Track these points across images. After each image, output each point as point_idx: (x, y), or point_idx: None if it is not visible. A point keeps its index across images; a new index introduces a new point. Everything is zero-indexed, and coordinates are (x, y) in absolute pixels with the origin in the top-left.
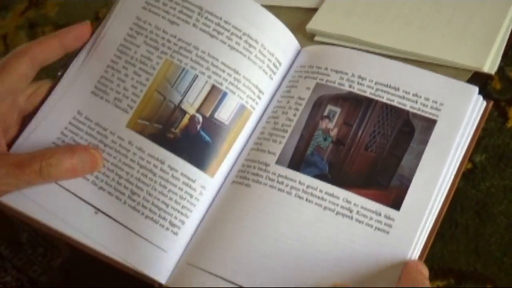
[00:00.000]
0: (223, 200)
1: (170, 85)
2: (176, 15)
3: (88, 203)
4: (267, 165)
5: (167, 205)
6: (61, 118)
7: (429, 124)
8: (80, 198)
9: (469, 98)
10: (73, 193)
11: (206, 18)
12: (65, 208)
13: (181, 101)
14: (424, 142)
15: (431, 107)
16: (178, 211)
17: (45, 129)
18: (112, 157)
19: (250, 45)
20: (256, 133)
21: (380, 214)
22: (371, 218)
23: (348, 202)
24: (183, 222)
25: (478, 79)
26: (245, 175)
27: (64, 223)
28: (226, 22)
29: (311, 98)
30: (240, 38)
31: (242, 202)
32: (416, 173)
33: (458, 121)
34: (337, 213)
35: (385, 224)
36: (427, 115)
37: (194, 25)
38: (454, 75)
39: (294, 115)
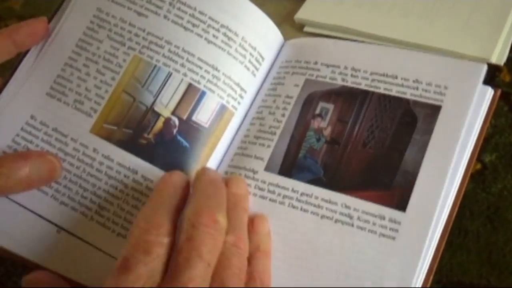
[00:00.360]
0: None
1: (140, 84)
2: (144, 6)
3: (49, 221)
4: (255, 172)
5: None
6: (12, 124)
7: (433, 111)
8: (39, 215)
9: (477, 78)
10: (29, 210)
11: (178, 9)
12: (21, 228)
13: (153, 103)
14: (429, 132)
15: (434, 92)
16: None
17: None
18: (74, 167)
19: (229, 38)
20: (239, 136)
21: (384, 218)
22: (374, 223)
23: (347, 207)
24: None
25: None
26: None
27: (21, 246)
28: (201, 13)
29: (300, 96)
30: (218, 30)
31: None
32: (422, 167)
33: (465, 105)
34: (336, 220)
35: (391, 228)
36: (430, 101)
37: (165, 16)
38: None
39: (283, 115)
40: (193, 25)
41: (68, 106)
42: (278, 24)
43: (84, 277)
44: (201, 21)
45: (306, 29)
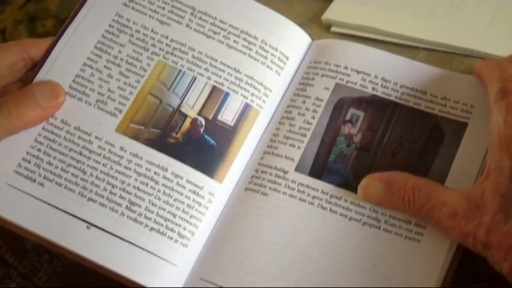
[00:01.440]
0: (237, 209)
1: (166, 87)
2: (166, 15)
3: (77, 217)
4: (285, 172)
5: (174, 215)
6: None
7: (460, 127)
8: (67, 212)
9: None
10: (57, 208)
11: (200, 18)
12: (53, 226)
13: (180, 104)
14: (456, 146)
15: (461, 110)
16: (187, 221)
17: (15, 138)
18: (100, 164)
19: (249, 42)
20: (268, 134)
21: (410, 223)
22: (400, 227)
23: (375, 211)
24: (192, 233)
25: None
26: (260, 181)
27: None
28: (221, 21)
29: (330, 100)
30: (238, 36)
31: (260, 212)
32: (448, 178)
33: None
34: (364, 223)
35: (416, 232)
36: (457, 118)
37: (187, 25)
38: None
39: (313, 117)
40: (214, 32)
41: (90, 106)
42: (306, 24)
43: (114, 268)
44: (221, 28)
45: (333, 29)
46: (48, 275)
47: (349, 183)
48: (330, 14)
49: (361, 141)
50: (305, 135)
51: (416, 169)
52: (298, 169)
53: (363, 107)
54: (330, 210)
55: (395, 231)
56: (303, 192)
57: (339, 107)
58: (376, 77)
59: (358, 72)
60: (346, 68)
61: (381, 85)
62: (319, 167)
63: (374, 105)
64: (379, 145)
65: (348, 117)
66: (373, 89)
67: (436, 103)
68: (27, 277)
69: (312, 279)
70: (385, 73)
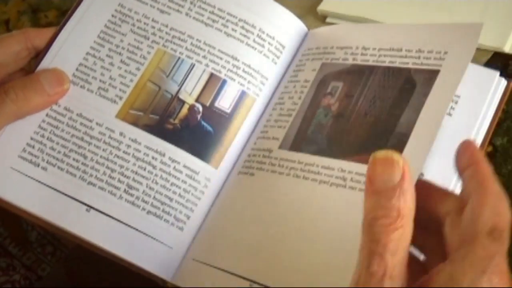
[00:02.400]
0: (228, 192)
1: (165, 74)
2: (167, 4)
3: (78, 200)
4: (270, 151)
5: (170, 199)
6: None
7: (432, 75)
8: (68, 196)
9: (473, 38)
10: (58, 191)
11: (199, 7)
12: (55, 209)
13: (178, 91)
14: (426, 94)
15: (435, 58)
16: (183, 205)
17: (20, 124)
18: (101, 149)
19: (247, 31)
20: (262, 121)
21: None
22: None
23: (343, 171)
24: (188, 217)
25: (498, 59)
26: (250, 164)
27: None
28: (220, 10)
29: (316, 79)
30: (236, 24)
31: (246, 192)
32: (415, 127)
33: (462, 66)
34: (331, 184)
35: None
36: (429, 67)
37: (187, 14)
38: (474, 55)
39: (299, 98)
40: (213, 20)
41: (92, 93)
42: (302, 16)
43: (113, 250)
44: (220, 17)
45: (328, 20)
46: (52, 266)
47: (323, 149)
48: (325, 6)
49: (338, 108)
50: (291, 115)
51: (385, 124)
52: (281, 146)
53: (343, 78)
54: (303, 177)
55: (359, 187)
56: (282, 166)
57: (323, 83)
58: (357, 48)
59: (341, 48)
60: (332, 48)
61: (361, 54)
62: (299, 141)
63: (352, 74)
64: (353, 109)
65: (328, 90)
66: (354, 59)
67: (410, 57)
68: (31, 268)
69: (292, 246)
70: (365, 42)
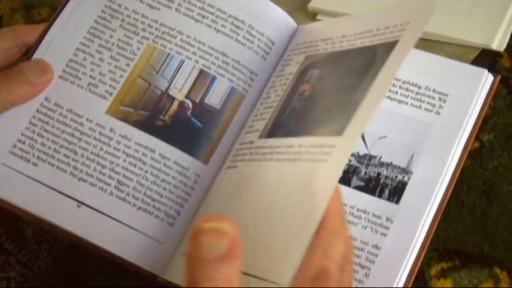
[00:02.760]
0: (217, 187)
1: (155, 71)
2: (156, 0)
3: (68, 196)
4: (252, 142)
5: (161, 195)
6: (28, 107)
7: (393, 46)
8: (58, 191)
9: (429, 11)
10: (49, 187)
11: (189, 2)
12: (46, 204)
13: (168, 87)
14: (383, 63)
15: (397, 31)
16: (173, 201)
17: (11, 120)
18: (91, 145)
19: (237, 27)
20: (251, 116)
21: (323, 146)
22: (315, 153)
23: (301, 146)
24: (178, 212)
25: (486, 56)
26: (235, 158)
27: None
28: (210, 5)
29: (298, 70)
30: (226, 20)
31: (230, 185)
32: (367, 94)
33: (417, 35)
34: (289, 160)
35: (327, 153)
36: (391, 39)
37: (176, 10)
38: (462, 53)
39: (282, 90)
40: (203, 16)
41: (82, 89)
42: (293, 13)
43: (103, 245)
44: (210, 12)
45: (318, 17)
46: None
47: (292, 131)
48: (315, 3)
49: (309, 92)
50: (272, 107)
51: (346, 98)
52: (260, 136)
53: (320, 65)
54: (271, 159)
55: (311, 158)
56: (258, 153)
57: (303, 73)
58: (337, 37)
59: (324, 40)
60: (316, 41)
61: (339, 41)
62: (274, 128)
63: (329, 60)
64: (322, 89)
65: (306, 78)
66: (332, 47)
67: (378, 35)
68: (26, 265)
69: (273, 233)
70: (344, 31)
